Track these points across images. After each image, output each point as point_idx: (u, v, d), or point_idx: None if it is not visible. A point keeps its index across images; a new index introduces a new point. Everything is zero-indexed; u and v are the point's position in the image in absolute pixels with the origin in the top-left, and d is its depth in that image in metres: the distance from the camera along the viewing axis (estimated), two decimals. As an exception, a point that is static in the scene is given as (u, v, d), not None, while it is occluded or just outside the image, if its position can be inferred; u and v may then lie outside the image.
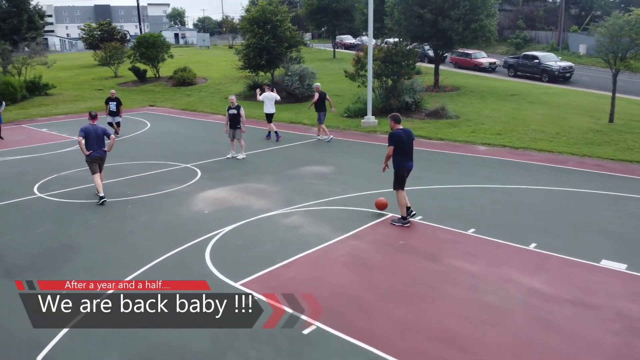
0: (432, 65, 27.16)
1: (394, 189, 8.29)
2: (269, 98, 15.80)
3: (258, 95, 16.22)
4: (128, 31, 79.70)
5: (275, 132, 15.92)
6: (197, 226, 8.49)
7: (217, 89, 28.83)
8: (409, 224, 8.30)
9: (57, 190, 10.80)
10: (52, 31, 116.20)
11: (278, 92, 16.87)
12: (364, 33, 44.66)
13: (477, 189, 10.54)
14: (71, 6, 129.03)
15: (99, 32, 46.24)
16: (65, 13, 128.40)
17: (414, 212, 8.46)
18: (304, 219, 8.77)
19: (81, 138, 9.73)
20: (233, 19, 65.79)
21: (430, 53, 29.87)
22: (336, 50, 43.41)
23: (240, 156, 13.66)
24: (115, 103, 16.85)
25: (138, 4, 61.19)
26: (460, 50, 33.06)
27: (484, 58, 34.75)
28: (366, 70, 18.84)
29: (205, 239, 7.91)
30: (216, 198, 10.11)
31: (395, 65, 19.33)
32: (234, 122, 13.47)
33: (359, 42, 44.90)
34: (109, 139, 9.94)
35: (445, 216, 8.81)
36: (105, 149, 10.00)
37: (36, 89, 27.27)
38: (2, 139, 17.01)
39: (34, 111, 23.94)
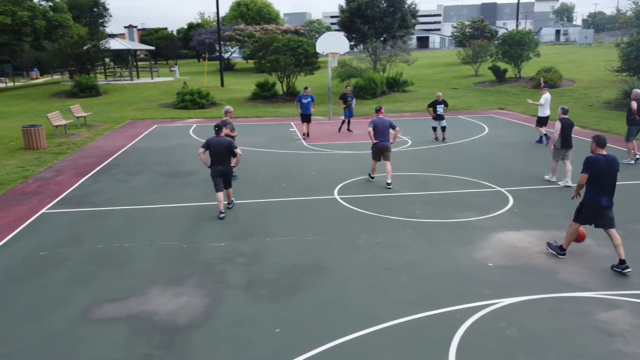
0: None
1: (573, 219, 6.91)
2: (548, 100, 15.02)
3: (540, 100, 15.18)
4: (507, 28, 77.68)
5: (545, 135, 15.12)
6: (467, 284, 6.36)
7: (583, 94, 24.15)
8: (564, 256, 7.03)
9: (352, 194, 10.39)
10: (439, 30, 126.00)
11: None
12: None
13: None
14: (459, 5, 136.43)
15: (470, 30, 46.28)
16: (452, 12, 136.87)
17: (628, 268, 6.52)
18: (633, 322, 5.41)
19: (371, 129, 10.82)
20: (626, 12, 55.26)
21: None
22: None
23: (561, 182, 10.51)
24: (442, 106, 15.71)
25: (518, 0, 58.61)
26: None
27: None
28: None
29: (467, 308, 5.74)
30: (514, 246, 7.57)
31: None
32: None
33: None
34: (394, 130, 10.81)
35: None
36: (391, 140, 10.95)
37: (395, 85, 29.03)
38: (351, 131, 18.35)
39: (386, 107, 25.41)
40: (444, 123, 15.94)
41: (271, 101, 27.70)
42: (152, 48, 46.44)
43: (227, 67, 50.41)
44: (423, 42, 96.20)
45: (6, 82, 43.01)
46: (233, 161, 9.12)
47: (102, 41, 33.14)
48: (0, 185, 11.47)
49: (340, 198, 10.13)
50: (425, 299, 5.98)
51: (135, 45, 38.94)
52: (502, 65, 31.09)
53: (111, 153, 15.08)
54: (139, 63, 46.51)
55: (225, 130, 10.06)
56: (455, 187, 10.82)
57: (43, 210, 9.64)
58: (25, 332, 5.44)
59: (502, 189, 10.51)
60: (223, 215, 9.02)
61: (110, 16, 66.42)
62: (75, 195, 10.66)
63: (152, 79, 39.58)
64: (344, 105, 17.89)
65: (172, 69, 45.30)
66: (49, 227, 8.75)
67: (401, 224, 8.61)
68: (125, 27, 52.12)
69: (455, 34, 50.07)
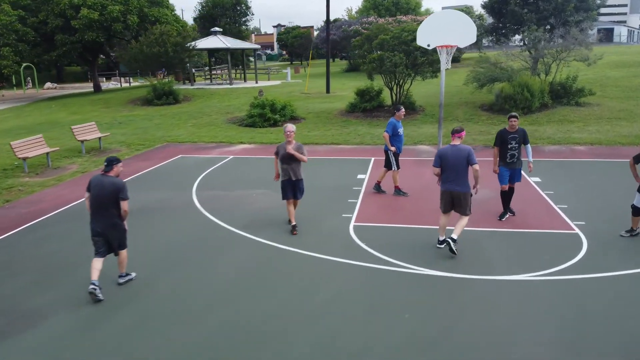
0: None
1: None
2: None
3: None
4: None
5: None
6: None
7: None
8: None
9: None
10: (624, 22, 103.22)
11: None
12: None
13: None
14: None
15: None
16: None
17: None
18: None
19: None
20: None
21: None
22: None
23: None
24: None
25: None
26: None
27: None
28: None
29: None
30: None
31: None
32: None
33: None
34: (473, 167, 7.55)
35: None
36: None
37: (565, 94, 18.92)
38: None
39: (546, 132, 15.78)
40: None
41: (372, 115, 19.85)
42: (258, 47, 41.44)
43: (352, 67, 43.55)
44: (605, 35, 78.47)
45: (121, 84, 41.51)
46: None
47: (188, 39, 28.33)
48: None
49: None
50: None
51: (237, 43, 33.79)
52: None
53: (32, 218, 9.00)
54: (270, 64, 41.77)
55: None
56: None
57: None
58: None
59: None
60: (94, 289, 5.69)
61: (252, 14, 64.17)
62: None
63: (256, 82, 34.25)
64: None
65: (285, 70, 39.75)
66: None
67: None
68: (274, 26, 48.25)
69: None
